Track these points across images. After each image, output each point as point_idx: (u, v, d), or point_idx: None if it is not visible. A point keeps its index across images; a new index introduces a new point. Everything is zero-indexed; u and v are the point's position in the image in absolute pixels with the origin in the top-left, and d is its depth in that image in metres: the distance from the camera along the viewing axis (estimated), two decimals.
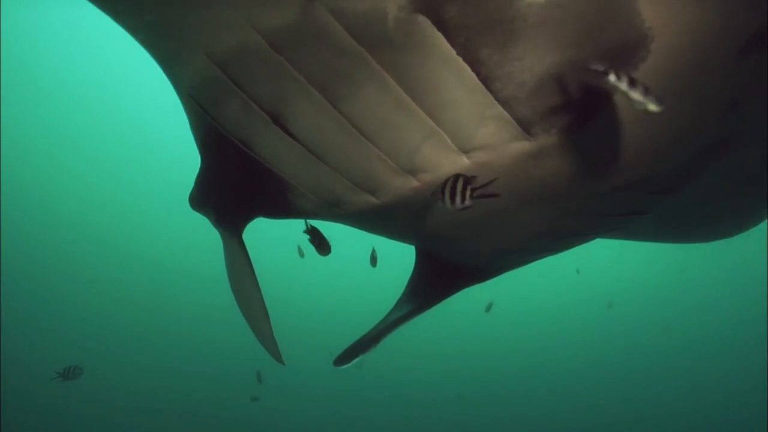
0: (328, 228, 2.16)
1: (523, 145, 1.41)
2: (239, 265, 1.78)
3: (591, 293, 19.68)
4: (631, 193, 1.60)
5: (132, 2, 1.48)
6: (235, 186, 1.72)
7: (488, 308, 11.22)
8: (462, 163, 1.46)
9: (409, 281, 2.21)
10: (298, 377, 16.39)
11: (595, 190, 1.55)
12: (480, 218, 1.66)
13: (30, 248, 17.56)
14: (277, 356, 1.82)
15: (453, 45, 1.28)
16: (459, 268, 2.10)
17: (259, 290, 1.75)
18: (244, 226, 1.82)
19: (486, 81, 1.32)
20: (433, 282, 2.13)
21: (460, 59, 1.30)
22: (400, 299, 2.15)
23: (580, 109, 1.35)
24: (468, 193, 1.36)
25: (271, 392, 17.32)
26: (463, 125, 1.40)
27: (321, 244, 2.24)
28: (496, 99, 1.34)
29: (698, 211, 2.13)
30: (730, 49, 1.29)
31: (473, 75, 1.31)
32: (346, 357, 1.79)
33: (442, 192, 1.38)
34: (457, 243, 1.86)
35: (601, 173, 1.49)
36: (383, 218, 1.71)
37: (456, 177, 1.38)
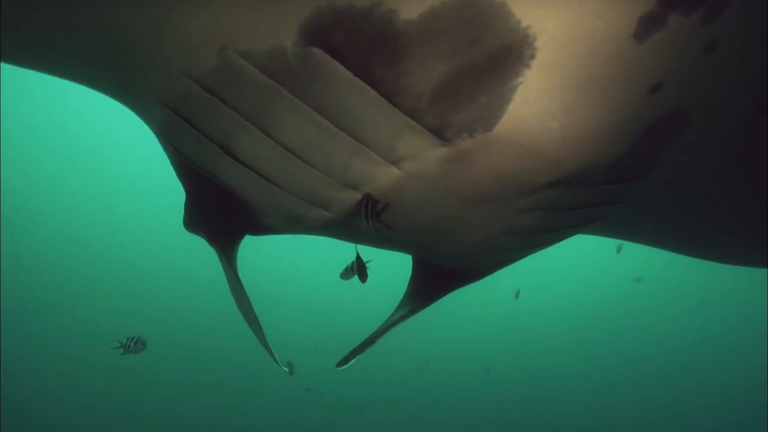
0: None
1: (442, 151, 1.52)
2: (230, 280, 1.93)
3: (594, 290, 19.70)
4: (577, 185, 1.67)
5: (88, 67, 1.69)
6: (214, 211, 1.87)
7: (517, 295, 11.26)
8: (394, 173, 1.57)
9: (408, 284, 2.33)
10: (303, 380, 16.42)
11: (532, 187, 1.62)
12: (434, 224, 1.77)
13: (30, 253, 17.57)
14: (274, 358, 1.95)
15: (350, 69, 1.40)
16: (448, 270, 2.20)
17: (248, 301, 1.89)
18: (237, 243, 1.98)
19: (388, 96, 1.42)
20: (426, 283, 2.24)
21: (359, 80, 1.41)
22: (400, 301, 2.25)
23: (483, 113, 1.43)
24: (376, 215, 1.53)
25: (274, 396, 17.39)
26: (382, 139, 1.51)
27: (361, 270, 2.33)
28: (403, 111, 1.45)
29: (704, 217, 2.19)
30: (622, 34, 1.35)
31: (375, 93, 1.42)
32: (346, 358, 1.92)
33: (360, 214, 1.55)
34: (426, 248, 1.98)
35: (530, 170, 1.55)
36: (346, 229, 1.85)
37: (367, 200, 1.54)
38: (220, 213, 1.87)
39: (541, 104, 1.41)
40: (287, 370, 2.09)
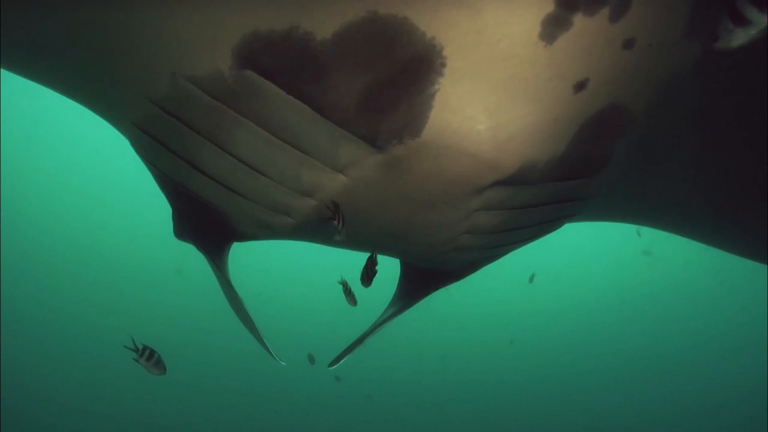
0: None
1: (379, 158, 1.62)
2: (222, 284, 2.06)
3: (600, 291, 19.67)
4: (524, 184, 1.74)
5: (58, 84, 1.84)
6: (197, 220, 2.01)
7: (531, 279, 11.35)
8: (341, 180, 1.69)
9: (397, 284, 2.46)
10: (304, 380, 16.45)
11: (476, 187, 1.69)
12: (393, 227, 1.89)
13: (30, 254, 17.60)
14: (271, 354, 2.06)
15: (281, 87, 1.51)
16: (429, 270, 2.32)
17: (241, 303, 1.99)
18: (226, 250, 2.12)
19: (319, 110, 1.53)
20: (411, 284, 2.36)
21: (291, 97, 1.52)
22: (390, 301, 2.38)
23: (407, 120, 1.53)
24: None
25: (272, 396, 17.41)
26: (323, 149, 1.63)
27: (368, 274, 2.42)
28: (334, 123, 1.55)
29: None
30: (528, 37, 1.43)
31: (307, 107, 1.53)
32: (337, 358, 2.03)
33: (334, 220, 1.68)
34: (394, 250, 2.09)
35: (468, 172, 1.63)
36: (315, 234, 1.98)
37: (335, 206, 1.68)
38: (202, 222, 1.99)
39: (464, 108, 1.49)
40: (284, 364, 2.15)
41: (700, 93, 1.76)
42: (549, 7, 1.39)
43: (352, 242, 2.02)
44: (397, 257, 2.27)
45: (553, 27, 1.41)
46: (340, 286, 2.67)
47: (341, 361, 2.01)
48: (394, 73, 1.44)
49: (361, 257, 2.21)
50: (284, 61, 1.46)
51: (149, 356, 2.68)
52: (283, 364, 2.12)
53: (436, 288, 2.32)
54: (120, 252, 18.45)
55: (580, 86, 1.55)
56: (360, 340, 2.06)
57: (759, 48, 1.55)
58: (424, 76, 1.45)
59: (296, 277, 19.31)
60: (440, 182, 1.66)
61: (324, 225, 1.83)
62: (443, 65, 1.44)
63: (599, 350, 19.85)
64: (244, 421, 17.77)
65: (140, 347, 2.57)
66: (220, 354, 17.68)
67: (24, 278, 17.23)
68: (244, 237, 2.06)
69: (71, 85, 1.83)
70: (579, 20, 1.42)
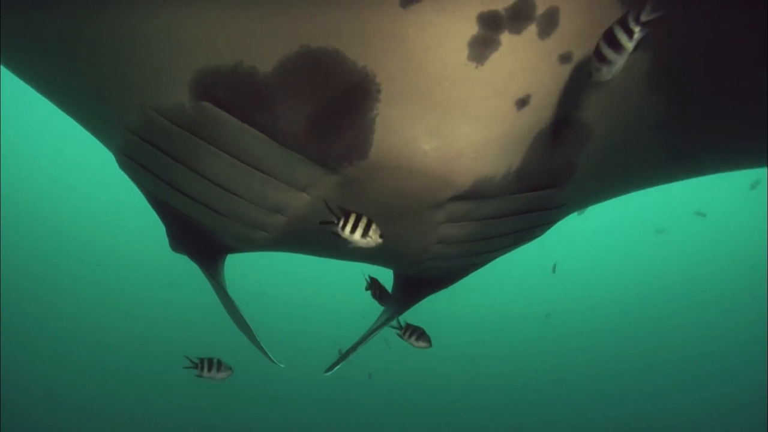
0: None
1: (334, 178, 1.71)
2: (218, 293, 2.15)
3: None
4: (485, 198, 1.80)
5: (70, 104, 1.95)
6: (187, 236, 2.11)
7: (553, 269, 11.34)
8: (305, 198, 1.78)
9: (390, 292, 2.52)
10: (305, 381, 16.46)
11: (435, 202, 1.76)
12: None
13: (30, 254, 17.59)
14: (268, 356, 2.14)
15: (236, 117, 1.62)
16: (418, 278, 2.41)
17: (238, 311, 2.07)
18: (220, 261, 2.22)
19: (273, 136, 1.63)
20: (402, 291, 2.44)
21: (246, 125, 1.63)
22: (384, 309, 2.44)
23: (353, 143, 1.61)
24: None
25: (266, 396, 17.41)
26: (283, 172, 1.72)
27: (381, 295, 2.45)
28: (288, 148, 1.65)
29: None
30: (457, 59, 1.49)
31: (262, 134, 1.64)
32: (333, 365, 2.11)
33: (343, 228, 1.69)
34: (373, 259, 2.17)
35: (423, 188, 1.71)
36: (292, 245, 2.09)
37: (347, 214, 1.69)
38: (192, 237, 2.10)
39: (405, 131, 1.58)
40: (282, 366, 2.21)
41: (658, 95, 1.78)
42: (473, 29, 1.44)
43: (331, 254, 2.13)
44: (381, 265, 2.33)
45: (481, 48, 1.46)
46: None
47: (336, 368, 2.09)
48: (334, 101, 1.55)
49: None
50: (235, 93, 1.57)
51: (209, 366, 2.60)
52: (282, 366, 2.17)
53: (426, 294, 2.39)
54: (120, 251, 18.45)
55: (522, 102, 1.60)
56: (354, 347, 2.12)
57: (707, 49, 1.64)
58: (362, 103, 1.54)
59: (297, 274, 19.32)
60: (398, 199, 1.74)
61: (298, 240, 1.97)
62: (378, 91, 1.53)
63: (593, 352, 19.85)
64: (247, 422, 17.76)
65: (196, 361, 2.51)
66: (221, 353, 17.62)
67: (23, 278, 17.23)
68: (232, 250, 2.17)
69: (62, 106, 1.98)
70: (506, 39, 1.47)
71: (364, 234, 1.66)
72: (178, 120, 1.67)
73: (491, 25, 1.43)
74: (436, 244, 1.97)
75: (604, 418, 17.94)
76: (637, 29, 1.28)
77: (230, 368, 2.71)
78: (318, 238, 1.90)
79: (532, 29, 1.46)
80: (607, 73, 1.37)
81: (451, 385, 18.50)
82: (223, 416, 17.26)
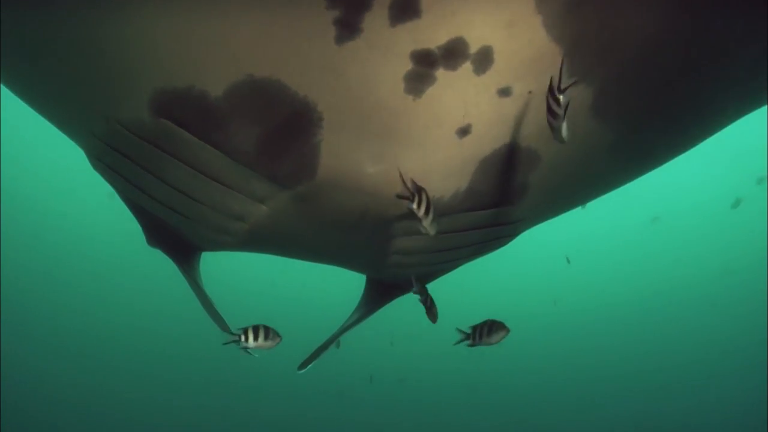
0: None
1: (288, 194, 1.78)
2: (193, 287, 2.18)
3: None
4: (438, 215, 1.85)
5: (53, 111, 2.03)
6: (160, 233, 2.18)
7: (568, 260, 11.48)
8: (263, 209, 1.84)
9: (363, 291, 2.56)
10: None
11: (384, 218, 1.85)
12: (325, 247, 2.07)
13: (30, 251, 17.63)
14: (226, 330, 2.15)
15: (193, 134, 1.69)
16: (388, 282, 2.44)
17: (212, 305, 2.12)
18: (195, 257, 2.28)
19: (228, 154, 1.71)
20: (373, 292, 2.48)
21: (202, 142, 1.70)
22: (355, 308, 2.48)
23: (301, 165, 1.70)
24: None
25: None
26: (240, 185, 1.79)
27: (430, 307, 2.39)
28: (243, 165, 1.73)
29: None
30: (394, 93, 1.57)
31: (218, 151, 1.71)
32: (305, 363, 2.14)
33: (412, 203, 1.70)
34: (338, 263, 2.26)
35: (370, 206, 1.79)
36: (259, 249, 2.16)
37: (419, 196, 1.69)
38: (165, 235, 2.17)
39: (349, 155, 1.66)
40: (256, 356, 2.20)
41: (604, 121, 1.83)
42: (407, 66, 1.50)
43: (299, 256, 2.22)
44: (346, 269, 2.40)
45: (418, 82, 1.53)
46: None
47: (308, 366, 2.13)
48: (280, 126, 1.63)
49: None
50: (190, 113, 1.65)
51: (255, 335, 2.34)
52: (256, 356, 2.20)
53: (397, 296, 2.43)
54: (119, 250, 18.48)
55: (463, 131, 1.67)
56: (326, 346, 2.17)
57: (645, 77, 1.72)
58: (306, 129, 1.62)
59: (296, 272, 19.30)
60: (349, 215, 1.82)
61: (265, 244, 2.06)
62: (321, 119, 1.61)
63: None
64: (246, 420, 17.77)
65: (239, 332, 2.20)
66: (225, 354, 17.63)
67: (24, 276, 17.28)
68: (204, 249, 2.23)
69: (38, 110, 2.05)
70: (442, 75, 1.53)
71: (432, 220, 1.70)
72: (140, 133, 1.75)
73: (425, 62, 1.50)
74: (393, 254, 2.03)
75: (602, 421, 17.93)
76: (560, 97, 1.42)
77: (279, 336, 2.55)
78: (284, 242, 2.03)
79: (467, 66, 1.52)
80: (564, 129, 1.49)
81: (457, 381, 18.47)
82: (223, 416, 17.30)
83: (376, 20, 1.40)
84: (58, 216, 18.03)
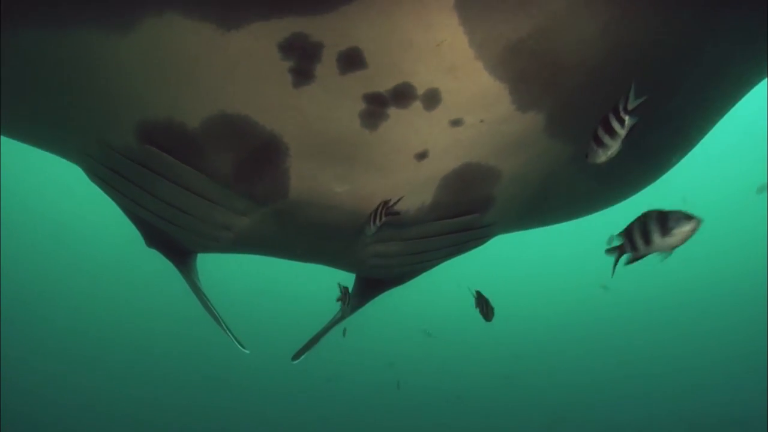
0: None
1: (266, 209, 1.95)
2: (190, 286, 2.43)
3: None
4: (402, 226, 2.04)
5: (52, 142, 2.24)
6: (156, 237, 2.38)
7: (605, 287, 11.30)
8: (246, 221, 2.02)
9: (352, 286, 2.72)
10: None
11: (356, 229, 2.00)
12: (308, 252, 2.25)
13: (30, 251, 17.59)
14: (239, 343, 2.38)
15: (176, 158, 1.86)
16: (374, 279, 2.62)
17: (208, 301, 2.36)
18: (191, 258, 2.49)
19: (209, 176, 1.88)
20: (361, 287, 2.65)
21: (185, 166, 1.88)
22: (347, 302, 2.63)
23: (274, 186, 1.87)
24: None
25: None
26: (223, 201, 1.96)
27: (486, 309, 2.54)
28: (223, 186, 1.91)
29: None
30: (351, 128, 1.72)
31: (200, 173, 1.89)
32: (298, 353, 2.37)
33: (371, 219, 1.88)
34: (323, 263, 2.41)
35: (341, 220, 1.96)
36: (248, 251, 2.33)
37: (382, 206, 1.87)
38: (161, 238, 2.36)
39: (316, 177, 1.84)
40: (247, 352, 2.39)
41: (559, 140, 1.94)
42: (361, 105, 1.66)
43: (286, 258, 2.41)
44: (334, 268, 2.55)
45: (372, 119, 1.68)
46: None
47: (301, 357, 2.36)
48: (252, 153, 1.81)
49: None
50: (172, 141, 1.83)
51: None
52: (247, 352, 2.37)
53: (383, 290, 2.61)
54: (118, 249, 18.45)
55: (421, 156, 1.82)
56: (318, 337, 2.39)
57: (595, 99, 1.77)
58: (275, 157, 1.80)
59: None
60: (324, 227, 1.99)
61: (256, 246, 2.23)
62: (287, 148, 1.78)
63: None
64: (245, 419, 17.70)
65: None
66: (222, 354, 17.60)
67: (24, 276, 17.23)
68: (197, 251, 2.44)
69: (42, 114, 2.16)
70: (394, 112, 1.68)
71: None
72: (130, 155, 1.94)
73: (377, 103, 1.65)
74: (371, 257, 2.20)
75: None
76: (626, 117, 1.41)
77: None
78: (269, 247, 2.23)
79: (417, 105, 1.66)
80: (602, 155, 1.50)
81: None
82: (224, 417, 17.24)
83: (326, 70, 1.56)
84: (57, 214, 17.99)
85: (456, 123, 1.73)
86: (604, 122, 1.45)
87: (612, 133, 1.44)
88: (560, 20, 1.50)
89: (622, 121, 1.42)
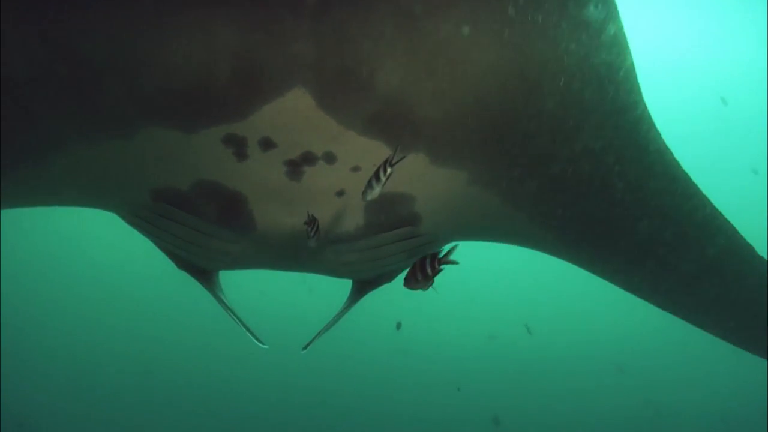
0: None
1: (249, 238, 2.56)
2: (217, 299, 3.02)
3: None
4: (345, 241, 2.58)
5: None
6: (182, 261, 2.99)
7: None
8: (239, 246, 2.62)
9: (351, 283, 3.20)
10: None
11: (314, 248, 2.50)
12: (291, 264, 2.82)
13: (30, 255, 17.64)
14: (257, 340, 2.93)
15: (183, 210, 2.53)
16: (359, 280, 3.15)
17: (234, 313, 2.90)
18: (214, 275, 3.07)
19: (205, 220, 2.55)
20: (357, 284, 3.15)
21: (185, 213, 2.54)
22: (347, 297, 3.15)
23: (244, 225, 2.51)
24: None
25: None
26: (216, 234, 2.60)
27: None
28: (213, 224, 2.55)
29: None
30: (279, 180, 2.34)
31: (198, 218, 2.54)
32: (308, 344, 2.85)
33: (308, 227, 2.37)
34: (311, 272, 2.89)
35: (301, 242, 2.44)
36: (248, 266, 2.90)
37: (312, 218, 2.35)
38: (185, 261, 2.97)
39: (272, 215, 2.47)
40: (266, 347, 2.98)
41: (460, 169, 2.40)
42: (283, 168, 2.29)
43: (281, 269, 2.97)
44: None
45: (294, 174, 2.31)
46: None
47: (308, 347, 2.84)
48: (226, 203, 2.47)
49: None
50: (174, 198, 2.50)
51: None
52: (265, 347, 2.91)
53: (371, 289, 3.12)
54: (119, 252, 18.48)
55: (340, 193, 2.40)
56: (324, 330, 2.86)
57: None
58: (241, 204, 2.46)
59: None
60: (291, 248, 2.58)
61: (253, 263, 2.81)
62: (246, 198, 2.43)
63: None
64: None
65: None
66: (225, 354, 17.66)
67: (24, 278, 17.28)
68: (214, 269, 3.05)
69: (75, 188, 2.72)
70: (308, 169, 2.29)
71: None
72: (149, 209, 2.60)
73: (293, 165, 2.29)
74: (339, 266, 2.74)
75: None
76: (389, 169, 2.02)
77: None
78: (262, 263, 2.83)
79: (321, 162, 2.27)
80: (375, 193, 2.09)
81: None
82: (223, 416, 17.30)
83: (253, 151, 2.23)
84: (57, 216, 18.04)
85: (355, 169, 2.30)
86: (376, 173, 2.04)
87: (378, 181, 2.04)
88: (403, 92, 2.04)
89: (385, 171, 2.02)
